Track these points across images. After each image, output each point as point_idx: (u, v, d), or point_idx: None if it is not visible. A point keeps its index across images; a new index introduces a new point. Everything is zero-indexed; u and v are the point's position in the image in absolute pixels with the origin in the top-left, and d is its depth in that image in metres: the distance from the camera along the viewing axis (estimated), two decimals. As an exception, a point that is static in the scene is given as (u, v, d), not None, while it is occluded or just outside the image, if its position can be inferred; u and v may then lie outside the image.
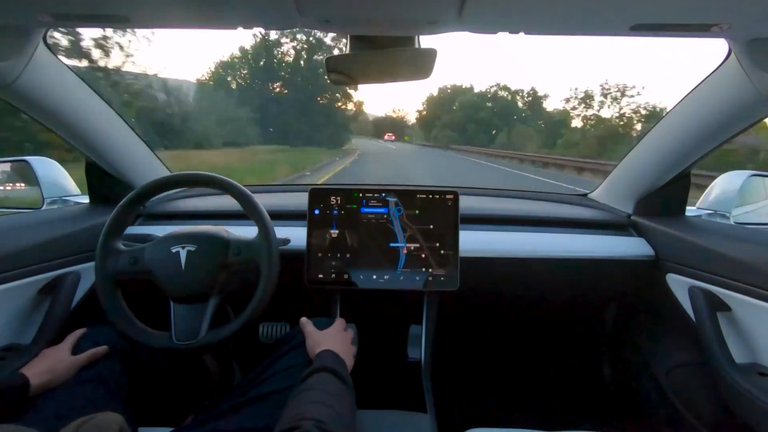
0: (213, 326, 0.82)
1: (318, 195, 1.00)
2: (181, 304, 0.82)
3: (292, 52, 27.79)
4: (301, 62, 27.66)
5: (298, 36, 26.95)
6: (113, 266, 0.82)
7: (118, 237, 0.86)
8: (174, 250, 0.82)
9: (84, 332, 0.80)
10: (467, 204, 1.08)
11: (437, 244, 0.99)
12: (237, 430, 0.67)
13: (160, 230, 0.90)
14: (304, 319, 0.82)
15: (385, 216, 1.00)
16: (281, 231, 0.90)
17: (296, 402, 0.57)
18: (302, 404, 0.56)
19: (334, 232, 1.00)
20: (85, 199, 1.20)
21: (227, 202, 0.93)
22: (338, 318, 0.86)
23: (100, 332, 0.81)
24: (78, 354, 0.75)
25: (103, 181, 1.13)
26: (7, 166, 1.42)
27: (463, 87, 59.56)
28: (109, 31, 11.53)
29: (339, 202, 1.00)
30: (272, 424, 0.55)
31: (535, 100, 50.61)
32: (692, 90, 0.90)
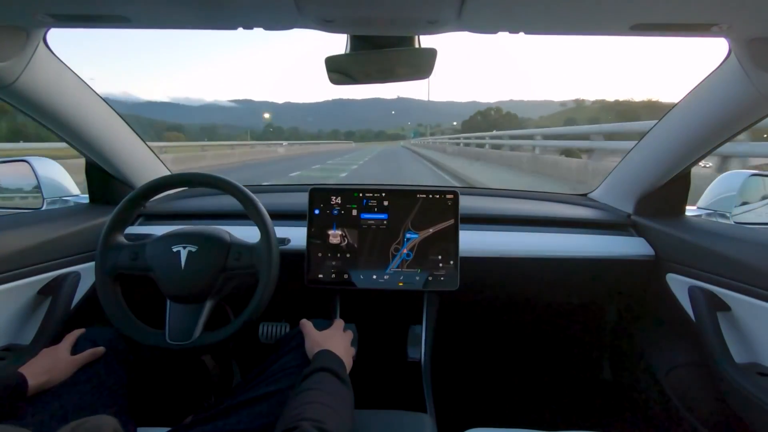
0: (208, 328, 0.82)
1: (318, 195, 1.00)
2: (177, 303, 0.82)
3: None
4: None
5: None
6: (114, 260, 0.82)
7: (120, 232, 0.87)
8: (175, 249, 0.82)
9: (83, 332, 0.80)
10: (467, 204, 1.08)
11: (437, 244, 0.99)
12: (235, 430, 0.67)
13: (161, 230, 0.90)
14: (303, 320, 0.82)
15: (385, 221, 1.00)
16: (281, 231, 0.90)
17: (295, 402, 0.57)
18: (301, 404, 0.56)
19: (334, 232, 1.00)
20: (85, 199, 1.20)
21: (228, 202, 0.93)
22: (337, 319, 0.86)
23: (99, 332, 0.81)
24: (77, 354, 0.75)
25: (103, 181, 1.13)
26: (7, 166, 1.42)
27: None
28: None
29: (339, 202, 1.00)
30: (271, 424, 0.55)
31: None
32: (692, 90, 0.90)
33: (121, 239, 0.86)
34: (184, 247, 0.82)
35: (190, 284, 0.81)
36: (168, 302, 0.83)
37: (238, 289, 0.89)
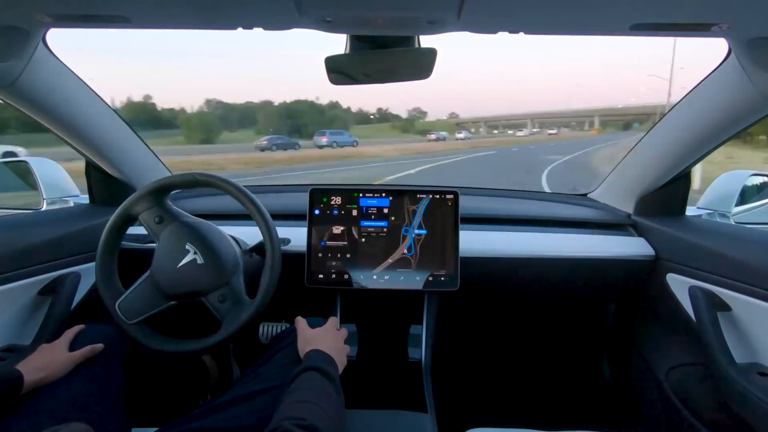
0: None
1: (318, 195, 1.00)
2: (151, 283, 0.81)
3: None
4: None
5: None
6: (141, 208, 0.82)
7: (150, 205, 0.84)
8: (186, 247, 0.80)
9: (81, 329, 0.80)
10: (467, 204, 1.08)
11: (437, 244, 0.99)
12: (228, 427, 0.67)
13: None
14: (298, 318, 0.82)
15: (386, 221, 1.00)
16: (281, 231, 0.90)
17: (283, 404, 0.58)
18: (286, 405, 0.57)
19: (334, 233, 1.00)
20: (85, 200, 1.20)
21: (228, 202, 0.93)
22: (331, 317, 0.86)
23: (98, 329, 0.81)
24: (75, 350, 0.75)
25: (102, 181, 1.13)
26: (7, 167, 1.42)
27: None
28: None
29: (339, 202, 1.00)
30: (263, 420, 0.55)
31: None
32: (692, 90, 0.90)
33: (159, 204, 0.84)
34: (195, 253, 0.80)
35: (170, 281, 0.79)
36: (148, 272, 0.81)
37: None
